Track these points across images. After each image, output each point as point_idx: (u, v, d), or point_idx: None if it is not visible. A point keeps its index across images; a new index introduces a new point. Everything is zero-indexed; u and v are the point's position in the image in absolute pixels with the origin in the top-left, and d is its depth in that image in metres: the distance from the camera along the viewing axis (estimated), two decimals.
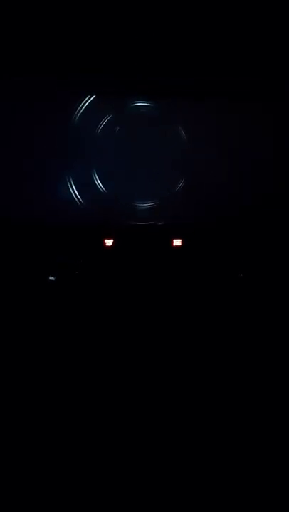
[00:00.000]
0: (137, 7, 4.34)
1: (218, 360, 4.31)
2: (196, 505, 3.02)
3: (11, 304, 4.60)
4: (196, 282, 4.90)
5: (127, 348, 4.39)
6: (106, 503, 3.02)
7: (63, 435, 3.56)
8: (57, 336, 4.44)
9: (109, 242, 4.97)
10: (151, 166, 4.93)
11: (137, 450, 3.42)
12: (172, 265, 4.96)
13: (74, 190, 4.90)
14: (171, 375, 4.18)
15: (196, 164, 4.92)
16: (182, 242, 5.02)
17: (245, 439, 3.60)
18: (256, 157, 4.90)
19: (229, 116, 4.91)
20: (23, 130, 4.76)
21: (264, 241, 4.93)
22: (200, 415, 3.77)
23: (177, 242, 5.02)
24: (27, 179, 4.85)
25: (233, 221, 4.97)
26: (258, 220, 4.95)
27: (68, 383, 4.05)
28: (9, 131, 4.75)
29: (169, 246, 4.98)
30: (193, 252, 4.94)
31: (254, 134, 4.90)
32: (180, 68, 4.62)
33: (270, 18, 4.38)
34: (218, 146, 4.89)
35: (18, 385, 4.01)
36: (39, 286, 4.78)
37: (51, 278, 4.88)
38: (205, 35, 4.49)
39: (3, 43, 4.43)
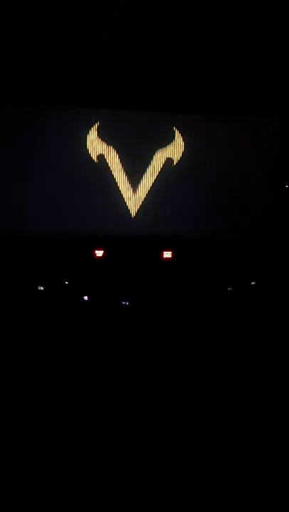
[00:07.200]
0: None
1: (208, 369, 4.34)
2: (196, 504, 3.05)
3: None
4: (185, 294, 4.93)
5: (116, 357, 4.39)
6: (106, 502, 3.03)
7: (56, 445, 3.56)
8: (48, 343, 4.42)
9: (99, 253, 4.97)
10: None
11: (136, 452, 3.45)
12: (162, 277, 4.98)
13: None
14: (163, 384, 4.19)
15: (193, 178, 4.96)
16: (172, 254, 5.05)
17: (240, 447, 3.64)
18: (249, 175, 4.95)
19: (226, 133, 4.95)
20: None
21: (253, 255, 4.99)
22: (190, 421, 3.80)
23: (167, 255, 5.05)
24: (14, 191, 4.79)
25: (222, 235, 5.02)
26: (247, 234, 5.02)
27: (59, 392, 4.03)
28: None
29: (159, 258, 5.01)
30: (183, 264, 4.97)
31: (249, 150, 4.94)
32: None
33: (269, 36, 4.41)
34: (214, 162, 4.93)
35: (7, 393, 3.98)
36: (28, 296, 4.74)
37: (40, 288, 4.85)
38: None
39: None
